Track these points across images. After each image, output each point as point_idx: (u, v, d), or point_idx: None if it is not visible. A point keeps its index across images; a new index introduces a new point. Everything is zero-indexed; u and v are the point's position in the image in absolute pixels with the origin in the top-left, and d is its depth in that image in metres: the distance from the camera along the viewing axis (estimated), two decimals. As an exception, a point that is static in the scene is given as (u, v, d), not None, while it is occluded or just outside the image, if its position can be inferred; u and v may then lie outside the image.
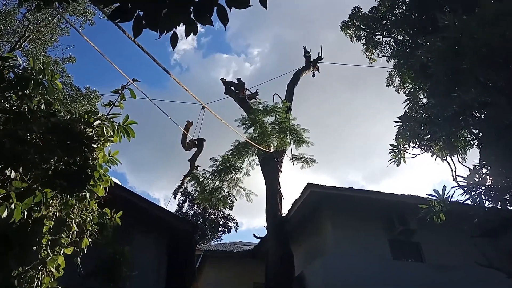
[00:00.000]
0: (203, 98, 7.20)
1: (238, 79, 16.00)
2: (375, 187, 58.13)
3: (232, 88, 16.20)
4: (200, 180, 12.93)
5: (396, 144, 6.71)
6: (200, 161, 14.04)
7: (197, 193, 14.49)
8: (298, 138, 12.25)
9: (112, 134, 3.39)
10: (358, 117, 44.23)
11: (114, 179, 3.73)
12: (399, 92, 14.99)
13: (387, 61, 14.07)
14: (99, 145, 3.24)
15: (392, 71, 14.82)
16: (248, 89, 15.79)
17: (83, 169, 3.06)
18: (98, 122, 3.30)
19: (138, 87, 4.05)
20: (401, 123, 6.61)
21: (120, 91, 3.56)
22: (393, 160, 6.67)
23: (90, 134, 3.24)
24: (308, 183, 10.49)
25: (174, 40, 2.24)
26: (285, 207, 11.87)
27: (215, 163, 12.67)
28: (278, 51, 46.85)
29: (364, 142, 45.37)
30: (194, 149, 13.46)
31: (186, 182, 16.60)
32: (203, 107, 12.53)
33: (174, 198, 26.55)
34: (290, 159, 12.75)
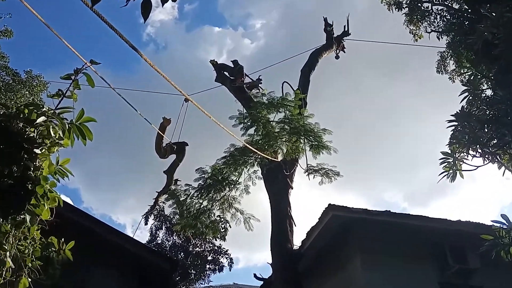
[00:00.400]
0: (186, 88, 7.24)
1: (234, 62, 16.07)
2: (421, 211, 57.72)
3: (226, 73, 16.26)
4: (181, 199, 12.97)
5: (450, 151, 6.72)
6: (181, 173, 14.06)
7: (177, 217, 14.49)
8: (316, 142, 12.28)
9: (61, 135, 3.39)
10: (397, 114, 44.30)
11: (63, 197, 3.75)
12: (453, 81, 15.04)
13: (438, 38, 14.14)
14: (43, 150, 3.24)
15: (444, 51, 14.87)
16: (247, 75, 15.85)
17: (21, 183, 3.06)
18: (42, 118, 3.30)
19: (97, 72, 4.09)
20: (457, 123, 6.60)
21: (73, 77, 3.57)
22: (446, 173, 6.67)
23: (31, 135, 3.25)
24: (329, 205, 10.49)
25: (146, 7, 2.25)
26: (298, 237, 11.89)
27: (202, 175, 12.71)
28: (289, 23, 47.00)
29: (405, 148, 45.47)
30: (173, 157, 13.48)
31: (162, 202, 16.61)
32: (186, 100, 12.58)
33: (146, 223, 26.67)
34: (305, 171, 12.79)
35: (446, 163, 6.66)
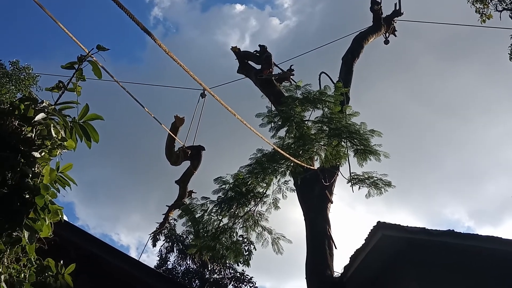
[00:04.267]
0: (203, 79, 7.20)
1: (262, 47, 16.11)
2: (491, 231, 57.11)
3: (251, 63, 16.31)
4: (197, 215, 13.01)
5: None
6: (197, 184, 14.13)
7: (192, 237, 14.54)
8: (361, 147, 12.22)
9: (64, 135, 3.43)
10: (463, 111, 43.80)
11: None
12: (532, 71, 14.80)
13: (512, 18, 13.92)
14: (43, 153, 3.28)
15: (520, 34, 14.65)
16: (276, 65, 15.89)
17: (18, 192, 3.10)
18: (42, 116, 3.33)
19: (98, 62, 4.12)
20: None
21: (77, 66, 3.62)
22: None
23: (29, 135, 3.29)
24: (379, 222, 10.41)
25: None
26: (339, 262, 11.82)
27: (223, 187, 12.74)
28: (327, 1, 46.88)
29: (472, 154, 44.80)
30: (187, 164, 13.56)
31: (173, 219, 16.72)
32: (203, 95, 12.68)
33: (154, 244, 26.86)
34: (348, 181, 12.72)
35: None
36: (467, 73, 41.50)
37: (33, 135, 3.29)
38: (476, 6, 14.93)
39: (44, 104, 3.44)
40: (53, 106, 3.49)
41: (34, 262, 3.70)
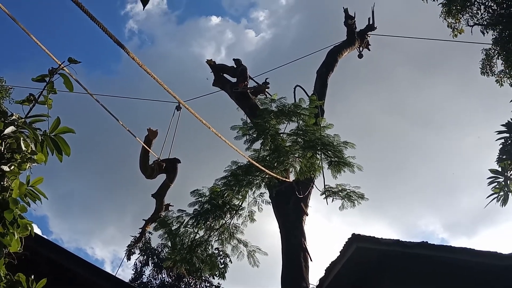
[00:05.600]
0: (178, 92, 7.20)
1: (237, 61, 16.17)
2: (465, 242, 57.59)
3: (226, 76, 16.34)
4: (173, 228, 12.93)
5: (500, 169, 6.70)
6: (173, 197, 14.05)
7: (167, 250, 14.43)
8: (335, 159, 12.29)
9: (34, 149, 3.41)
10: (435, 122, 44.21)
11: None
12: (502, 84, 15.02)
13: (483, 33, 14.15)
14: (13, 167, 3.25)
15: (490, 49, 14.89)
16: (252, 78, 15.94)
17: (-14, 207, 3.06)
18: (11, 129, 3.31)
19: (71, 74, 4.11)
20: (508, 135, 6.61)
21: (47, 78, 3.60)
22: (496, 196, 6.65)
23: (-2, 148, 3.26)
24: (353, 235, 10.45)
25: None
26: (314, 274, 11.84)
27: (199, 199, 12.69)
28: (302, 15, 47.32)
29: (445, 165, 45.25)
30: (163, 177, 13.48)
31: (149, 232, 16.56)
32: (178, 107, 12.67)
33: (128, 258, 26.61)
34: (322, 193, 12.77)
35: (496, 183, 6.65)
36: (441, 84, 42.01)
37: (2, 149, 3.26)
38: (448, 21, 15.12)
39: (14, 117, 3.42)
40: (23, 119, 3.47)
41: (3, 278, 3.65)
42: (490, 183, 6.71)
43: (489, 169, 6.73)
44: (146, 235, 18.36)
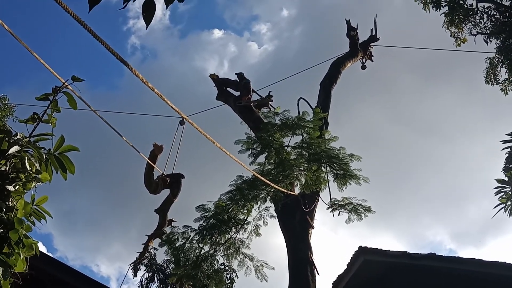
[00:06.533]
0: (181, 107, 7.20)
1: (239, 75, 16.20)
2: (473, 253, 57.26)
3: (230, 90, 16.36)
4: (178, 244, 12.88)
5: (506, 178, 6.68)
6: (177, 212, 14.01)
7: (172, 265, 14.35)
8: (341, 171, 12.22)
9: (38, 168, 3.40)
10: (442, 132, 44.05)
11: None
12: (507, 93, 15.04)
13: (486, 42, 14.19)
14: (18, 186, 3.25)
15: (494, 57, 14.91)
16: (255, 91, 15.95)
17: (-9, 227, 3.05)
18: (16, 148, 3.31)
19: (74, 91, 4.11)
20: (515, 144, 6.60)
21: (51, 97, 3.60)
22: (503, 205, 6.63)
23: (3, 168, 3.26)
24: (360, 247, 10.42)
25: (150, 9, 2.24)
26: (322, 287, 11.76)
27: (204, 214, 12.63)
28: (305, 26, 47.44)
29: (452, 175, 45.06)
30: (167, 192, 13.47)
31: (154, 248, 16.50)
32: (182, 122, 12.65)
33: (135, 275, 26.46)
34: (328, 207, 12.69)
35: (503, 193, 6.63)
36: (445, 94, 41.89)
37: (7, 168, 3.27)
38: (451, 30, 15.17)
39: (18, 136, 3.42)
40: (27, 139, 3.47)
41: (9, 298, 3.63)
42: (497, 193, 6.68)
43: (495, 179, 6.71)
44: (151, 251, 18.26)
